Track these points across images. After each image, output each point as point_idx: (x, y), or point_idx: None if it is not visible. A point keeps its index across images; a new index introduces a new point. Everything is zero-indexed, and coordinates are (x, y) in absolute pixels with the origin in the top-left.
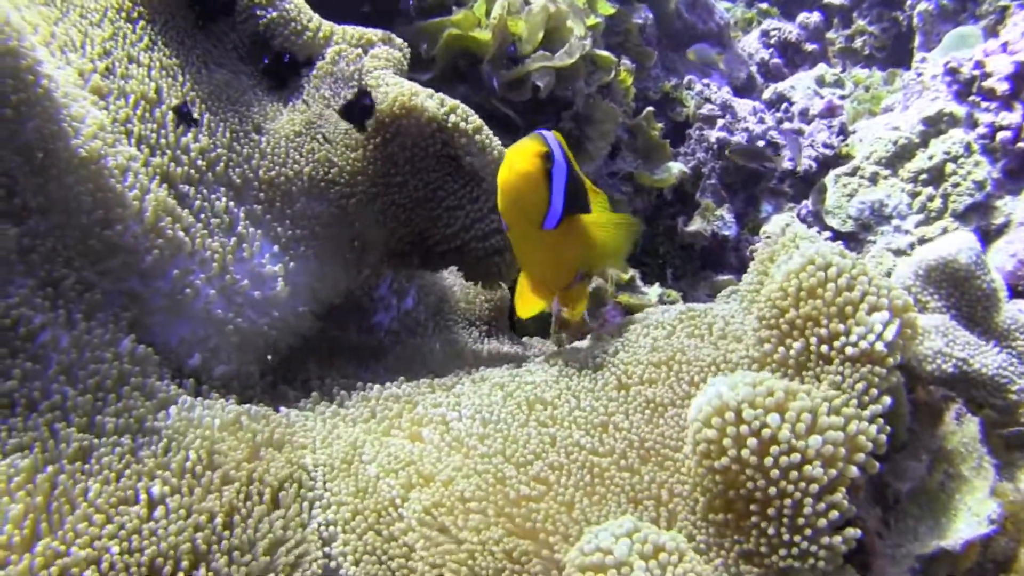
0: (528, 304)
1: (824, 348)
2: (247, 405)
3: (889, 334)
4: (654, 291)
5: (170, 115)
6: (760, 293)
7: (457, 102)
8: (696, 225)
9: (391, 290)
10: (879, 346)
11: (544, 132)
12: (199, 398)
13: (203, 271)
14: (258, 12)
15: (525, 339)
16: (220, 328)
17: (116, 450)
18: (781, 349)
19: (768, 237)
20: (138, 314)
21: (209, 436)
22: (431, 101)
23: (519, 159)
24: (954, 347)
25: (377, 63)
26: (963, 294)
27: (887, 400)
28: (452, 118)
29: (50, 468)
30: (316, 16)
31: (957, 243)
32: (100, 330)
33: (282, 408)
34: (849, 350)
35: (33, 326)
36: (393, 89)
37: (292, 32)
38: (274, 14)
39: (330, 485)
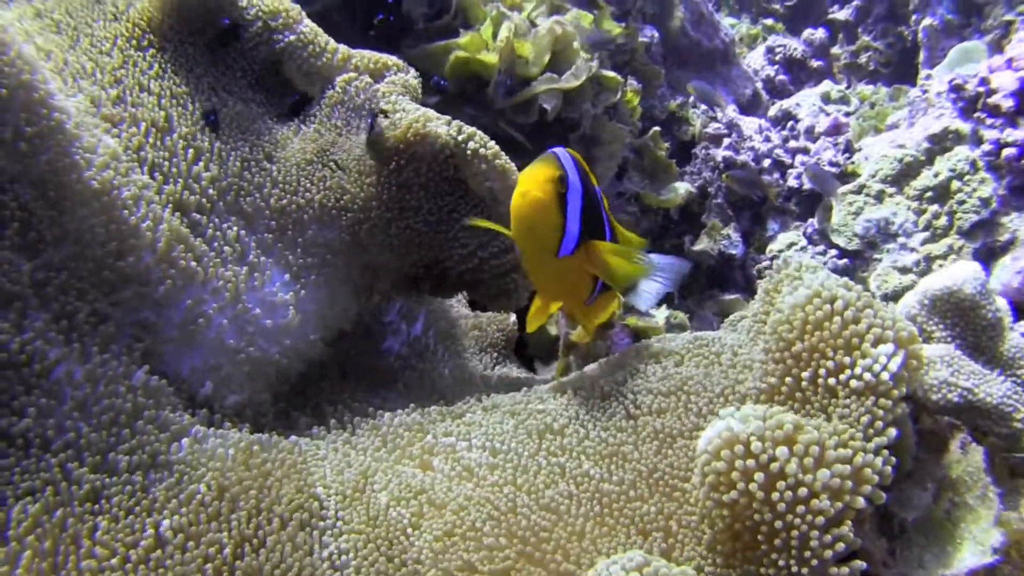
0: (536, 319)
1: (831, 381)
2: (259, 435)
3: (894, 366)
4: (661, 313)
5: (181, 143)
6: (766, 325)
7: (474, 129)
8: (703, 244)
9: (400, 315)
10: (884, 377)
11: (558, 151)
12: (211, 428)
13: (215, 300)
14: (276, 36)
15: (536, 363)
16: (232, 357)
17: (127, 488)
18: (788, 381)
19: (773, 267)
20: (151, 344)
21: (220, 467)
22: (445, 127)
23: (532, 185)
24: (959, 376)
25: (393, 88)
26: (968, 324)
27: (893, 432)
28: (471, 145)
29: (60, 512)
30: (331, 40)
31: (962, 273)
32: (114, 362)
33: (293, 436)
34: (854, 383)
35: (48, 361)
36: (409, 115)
37: (310, 55)
38: (292, 37)
39: (342, 513)
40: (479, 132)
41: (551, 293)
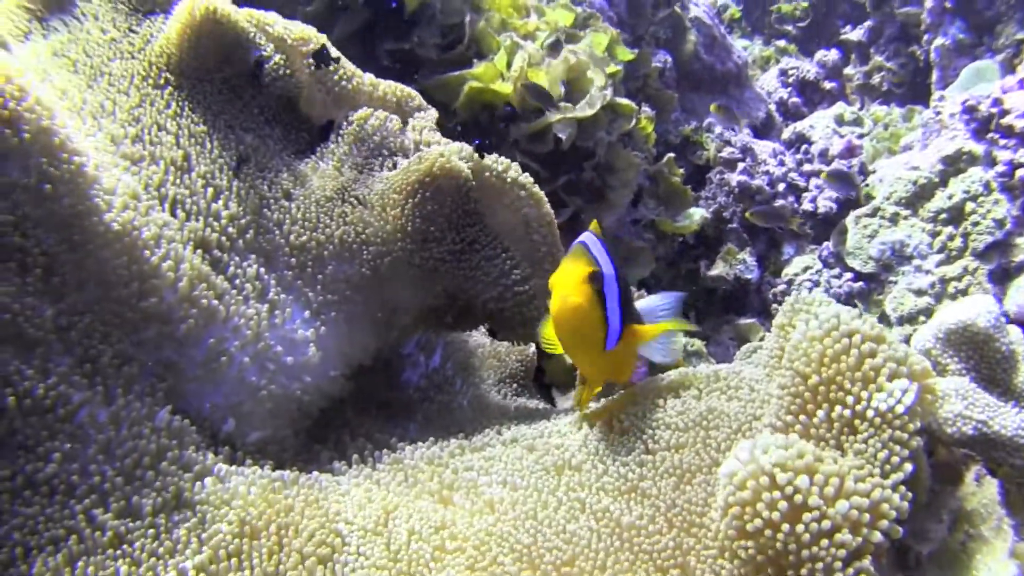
0: (586, 400)
1: (847, 414)
2: (280, 471)
3: (909, 400)
4: (679, 341)
5: (200, 181)
6: (782, 359)
7: (498, 157)
8: (718, 269)
9: (419, 347)
10: (899, 410)
11: (586, 240)
12: (234, 465)
13: (237, 338)
14: (307, 60)
15: (553, 391)
16: (253, 394)
17: (151, 531)
18: (803, 417)
19: (786, 301)
20: (173, 383)
21: (243, 505)
22: (468, 162)
23: (569, 290)
24: (974, 409)
25: (425, 123)
26: (982, 357)
27: (909, 467)
28: (511, 174)
29: (81, 562)
30: (357, 70)
31: (976, 307)
32: (137, 403)
33: (315, 472)
34: (871, 415)
35: (72, 405)
36: (435, 148)
37: (341, 77)
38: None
39: (363, 548)
40: (514, 164)
41: (599, 378)
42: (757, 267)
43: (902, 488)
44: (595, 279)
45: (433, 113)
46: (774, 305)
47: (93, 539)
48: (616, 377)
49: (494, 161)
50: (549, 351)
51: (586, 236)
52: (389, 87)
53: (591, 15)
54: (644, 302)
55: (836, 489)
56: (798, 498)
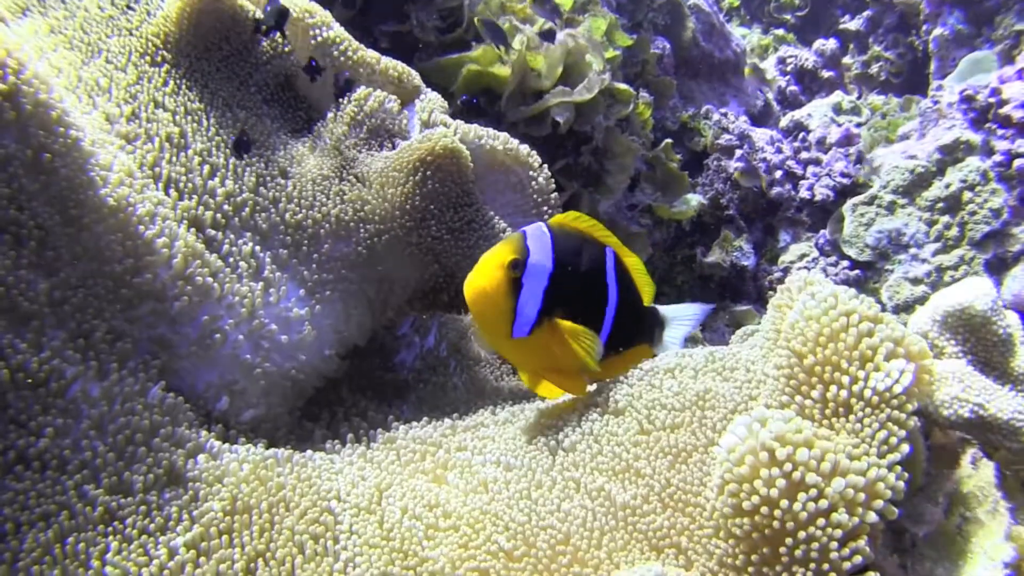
0: (537, 387)
1: (843, 394)
2: (273, 450)
3: (906, 379)
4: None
5: (196, 159)
6: (778, 339)
7: (504, 135)
8: (715, 256)
9: (413, 328)
10: (897, 390)
11: (528, 231)
12: (226, 443)
13: (231, 316)
14: (312, 32)
15: None
16: (248, 372)
17: (142, 508)
18: (799, 397)
19: (784, 281)
20: (167, 360)
21: (234, 483)
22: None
23: (479, 274)
24: (970, 392)
25: (431, 105)
26: (979, 340)
27: (906, 448)
28: (522, 151)
29: (72, 538)
30: (360, 45)
31: (974, 290)
32: (131, 379)
33: (308, 451)
34: (868, 394)
35: (65, 379)
36: (439, 129)
37: (348, 48)
38: (330, 33)
39: (356, 527)
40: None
41: (528, 367)
42: (753, 254)
43: (898, 468)
44: (516, 267)
45: (436, 95)
46: (770, 292)
47: (84, 514)
48: (555, 367)
49: (494, 137)
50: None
51: (532, 227)
52: (390, 62)
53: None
54: (671, 308)
55: (833, 466)
56: (796, 475)
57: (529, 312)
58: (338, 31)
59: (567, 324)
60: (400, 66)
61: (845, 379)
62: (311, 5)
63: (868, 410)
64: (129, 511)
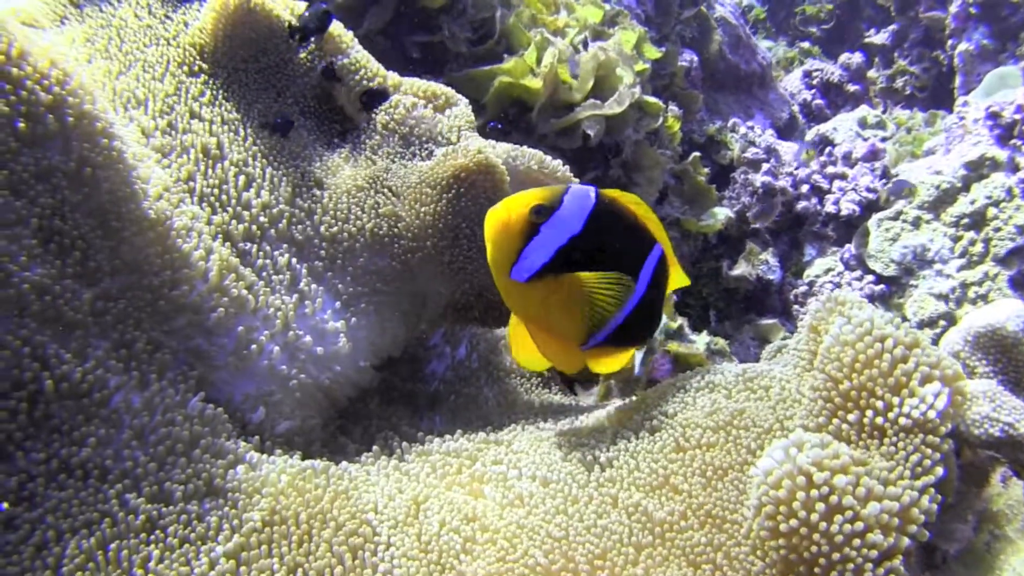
0: (515, 340)
1: (879, 420)
2: (310, 461)
3: (941, 404)
4: (702, 339)
5: (232, 170)
6: (813, 361)
7: (534, 151)
8: (741, 269)
9: (444, 339)
10: (932, 415)
11: (574, 189)
12: (264, 455)
13: (267, 328)
14: (328, 60)
15: (576, 386)
16: (283, 384)
17: (183, 517)
18: (835, 421)
19: (818, 301)
20: (203, 372)
21: (273, 493)
22: (501, 157)
23: (505, 206)
24: (1001, 412)
25: (457, 121)
26: (1010, 360)
27: (940, 471)
28: (560, 169)
29: (114, 545)
30: (382, 67)
31: (1006, 311)
32: (171, 390)
33: (344, 463)
34: (903, 420)
35: (107, 390)
36: (472, 144)
37: (363, 78)
38: (345, 61)
39: (394, 539)
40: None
41: (521, 315)
42: (779, 268)
43: (931, 491)
44: (539, 212)
45: (464, 108)
46: (795, 306)
47: (126, 523)
48: (547, 325)
49: (530, 156)
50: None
51: (580, 187)
52: (413, 85)
53: (619, 12)
54: None
55: (868, 490)
56: (834, 498)
57: (534, 260)
58: (357, 57)
59: (588, 276)
60: (428, 88)
61: (880, 404)
62: (330, 28)
63: (903, 434)
64: (170, 520)
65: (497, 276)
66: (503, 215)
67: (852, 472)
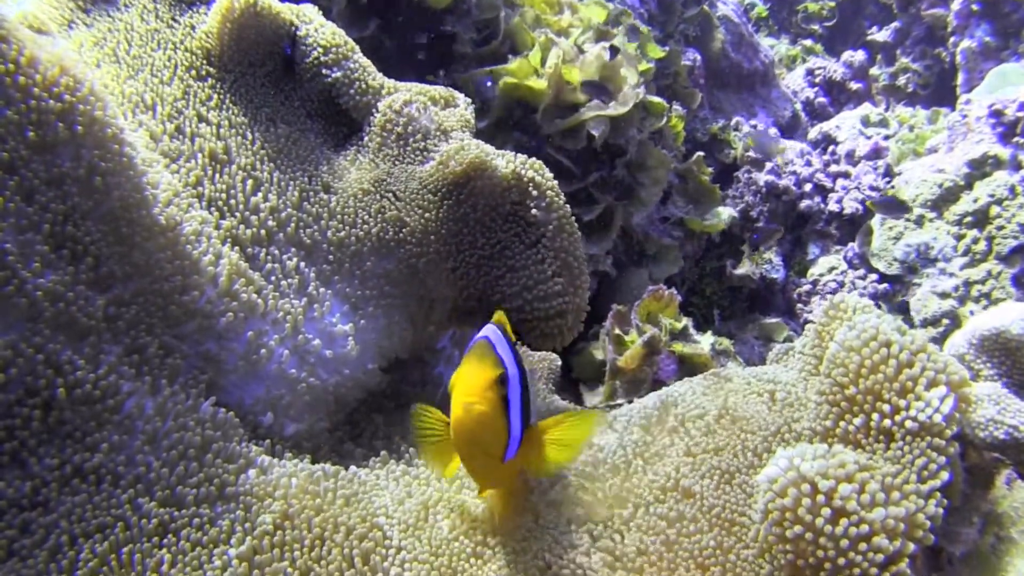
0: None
1: (885, 423)
2: (320, 465)
3: (947, 408)
4: (706, 339)
5: (240, 174)
6: (819, 365)
7: (533, 159)
8: (744, 268)
9: (452, 342)
10: (937, 419)
11: (490, 337)
12: (275, 459)
13: (276, 332)
14: (323, 71)
15: (581, 387)
16: (293, 387)
17: (195, 521)
18: (843, 424)
19: (823, 304)
20: (214, 376)
21: (285, 497)
22: (502, 160)
23: (474, 397)
24: (1006, 414)
25: (452, 123)
26: (1015, 363)
27: (946, 475)
28: (528, 172)
29: (127, 549)
30: (380, 75)
31: (1010, 314)
32: (182, 395)
33: (352, 467)
34: (909, 424)
35: (120, 395)
36: (470, 151)
37: (358, 91)
38: (338, 74)
39: (404, 543)
40: (538, 162)
41: (491, 484)
42: (783, 267)
43: (937, 495)
44: (502, 383)
45: (464, 108)
46: (799, 305)
47: (139, 527)
48: (508, 479)
49: (530, 165)
50: (421, 444)
51: (489, 330)
52: (412, 88)
53: (623, 12)
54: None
55: (873, 496)
56: (838, 504)
57: (517, 430)
58: (354, 68)
59: (551, 426)
60: (426, 91)
61: (886, 408)
62: (332, 38)
63: (909, 438)
64: (182, 524)
65: (488, 467)
66: (482, 409)
67: (857, 479)
